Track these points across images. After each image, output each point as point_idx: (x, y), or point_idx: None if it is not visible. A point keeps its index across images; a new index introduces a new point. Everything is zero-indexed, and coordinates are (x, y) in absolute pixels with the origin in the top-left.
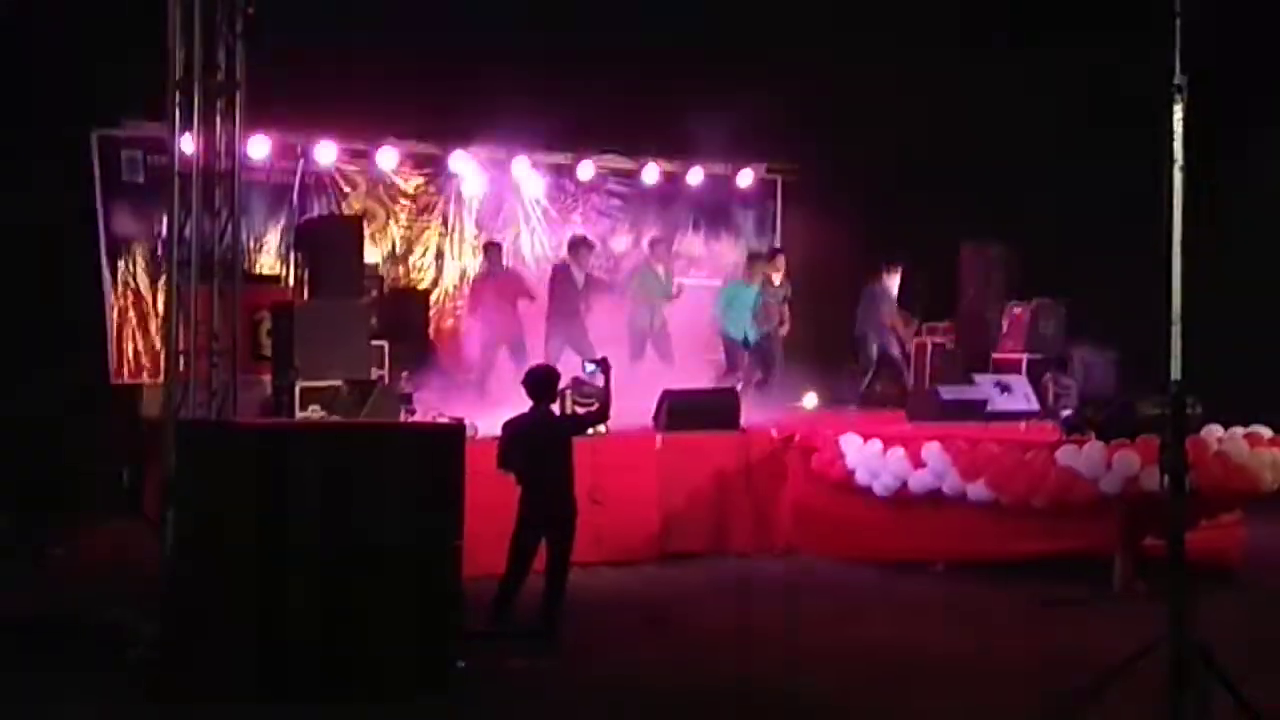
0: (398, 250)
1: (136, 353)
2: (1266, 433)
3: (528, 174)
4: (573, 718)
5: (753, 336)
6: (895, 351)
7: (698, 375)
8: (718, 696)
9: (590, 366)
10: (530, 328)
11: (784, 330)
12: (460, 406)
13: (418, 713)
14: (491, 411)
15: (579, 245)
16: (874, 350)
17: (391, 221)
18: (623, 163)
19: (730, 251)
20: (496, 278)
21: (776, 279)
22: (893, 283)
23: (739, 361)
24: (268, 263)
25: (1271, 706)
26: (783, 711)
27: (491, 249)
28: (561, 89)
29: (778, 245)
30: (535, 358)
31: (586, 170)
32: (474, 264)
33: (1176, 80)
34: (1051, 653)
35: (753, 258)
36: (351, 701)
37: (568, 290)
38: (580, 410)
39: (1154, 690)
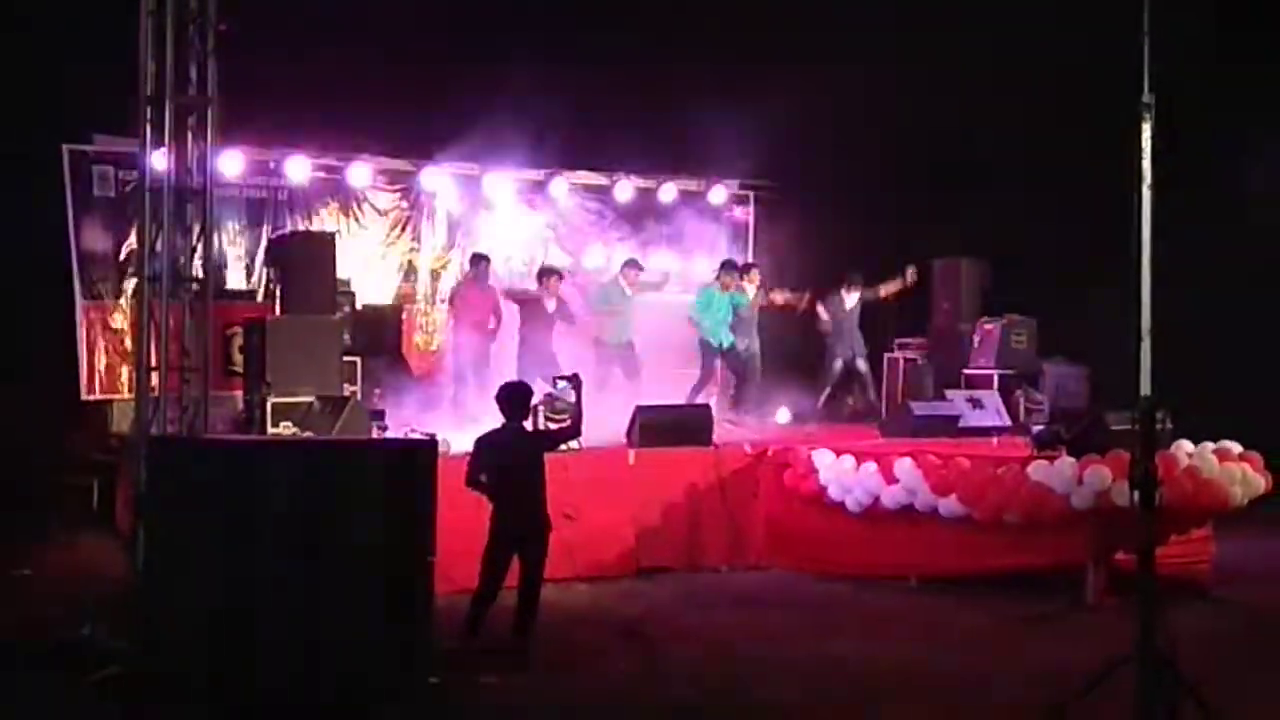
0: (370, 266)
1: (108, 368)
2: (1236, 448)
3: (500, 190)
4: None
5: (727, 344)
6: (862, 366)
7: (669, 390)
8: (691, 711)
9: (561, 383)
10: (498, 348)
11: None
12: (433, 422)
13: None
14: (464, 427)
15: (547, 275)
16: (837, 365)
17: (364, 237)
18: (595, 179)
19: (704, 267)
20: (482, 289)
21: (750, 292)
22: (851, 298)
23: (712, 369)
24: (240, 279)
25: (1238, 717)
26: None
27: (480, 260)
28: (534, 106)
29: (751, 260)
30: (501, 377)
31: (559, 187)
32: (447, 280)
33: (1145, 99)
34: (1024, 666)
35: (724, 265)
36: (323, 717)
37: (538, 320)
38: (553, 426)
39: (1124, 703)
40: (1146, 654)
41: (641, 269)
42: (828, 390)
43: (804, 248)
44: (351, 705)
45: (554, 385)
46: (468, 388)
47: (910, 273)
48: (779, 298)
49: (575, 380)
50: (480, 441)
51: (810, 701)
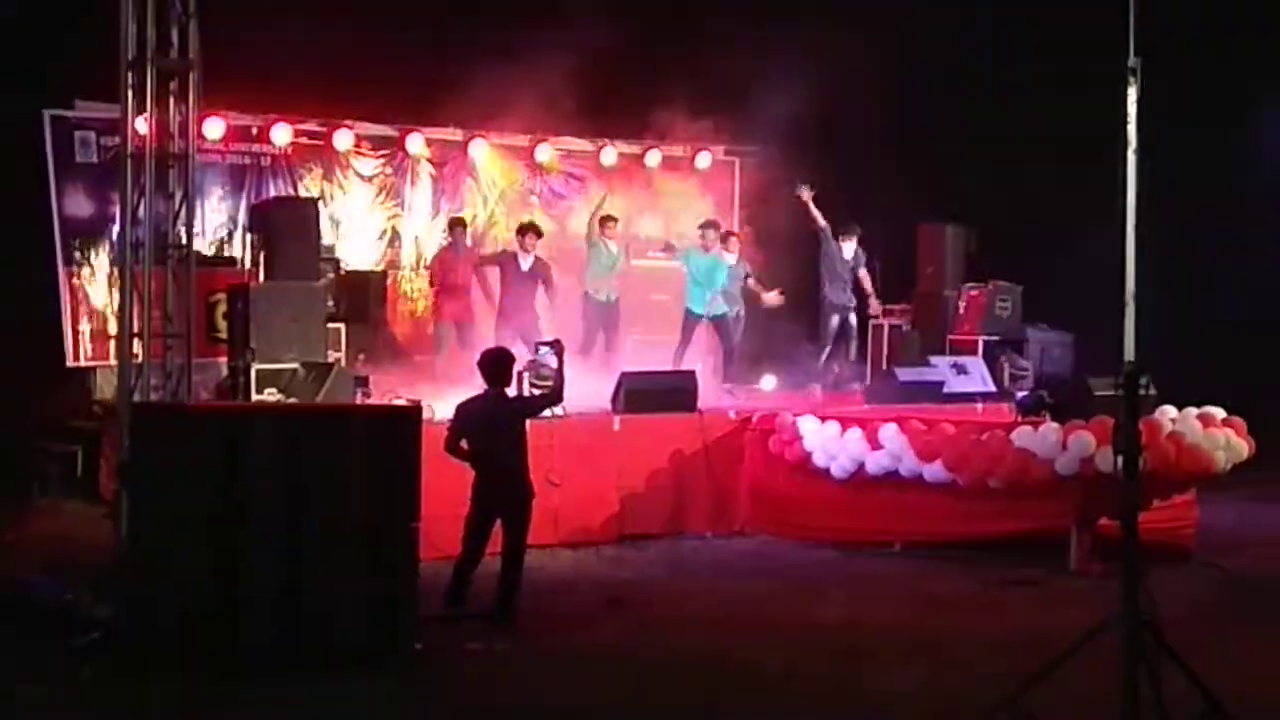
0: (354, 232)
1: (91, 335)
2: (1219, 414)
3: (485, 156)
4: (530, 698)
5: (705, 310)
6: (852, 320)
7: (651, 357)
8: (675, 676)
9: (543, 349)
10: (481, 313)
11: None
12: (417, 389)
13: (374, 693)
14: (448, 394)
15: (524, 231)
16: (834, 322)
17: (348, 203)
18: (581, 145)
19: (688, 233)
20: (459, 254)
21: (731, 260)
22: (848, 247)
23: (689, 336)
24: (224, 244)
25: (1223, 683)
26: (740, 689)
27: (456, 225)
28: (518, 71)
29: (733, 228)
30: (484, 343)
31: (544, 152)
32: (431, 246)
33: (1131, 63)
34: (1008, 631)
35: (705, 225)
36: (307, 682)
37: (515, 278)
38: (537, 393)
39: (1108, 667)
40: (1130, 618)
41: (616, 220)
42: (828, 349)
43: (789, 213)
44: (335, 671)
45: (535, 351)
46: (451, 354)
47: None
48: (764, 295)
49: (558, 346)
50: (461, 408)
51: (795, 666)
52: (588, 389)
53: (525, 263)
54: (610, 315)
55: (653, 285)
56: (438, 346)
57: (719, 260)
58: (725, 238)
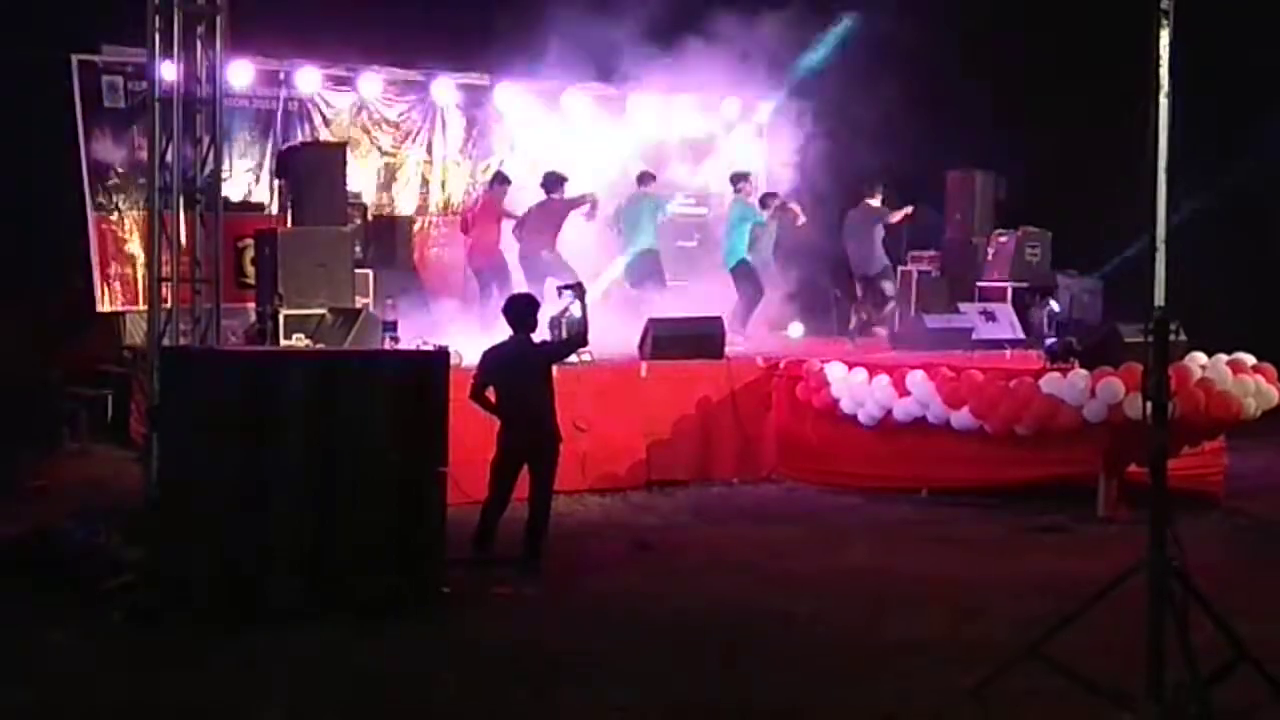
0: (381, 178)
1: (120, 280)
2: (1250, 360)
3: (512, 100)
4: (557, 643)
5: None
6: (888, 288)
7: (678, 303)
8: (703, 621)
9: (566, 292)
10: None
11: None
12: (444, 334)
13: (402, 637)
14: (476, 339)
15: (553, 182)
16: (877, 284)
17: (375, 149)
18: (607, 91)
19: (717, 181)
20: (498, 205)
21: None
22: (876, 202)
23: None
24: (251, 190)
25: (1250, 629)
26: (767, 634)
27: (498, 178)
28: (540, 16)
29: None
30: (521, 288)
31: (571, 98)
32: (458, 192)
33: (1163, 4)
34: (1035, 577)
35: (742, 176)
36: (336, 627)
37: (543, 221)
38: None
39: (1135, 612)
40: (1157, 565)
41: (654, 178)
42: (862, 315)
43: (820, 162)
44: (363, 614)
45: (558, 295)
46: (490, 300)
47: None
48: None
49: (579, 289)
50: (487, 355)
51: (821, 612)
52: (621, 336)
53: (557, 207)
54: (654, 268)
55: (679, 232)
56: (476, 293)
57: (753, 214)
58: (763, 200)
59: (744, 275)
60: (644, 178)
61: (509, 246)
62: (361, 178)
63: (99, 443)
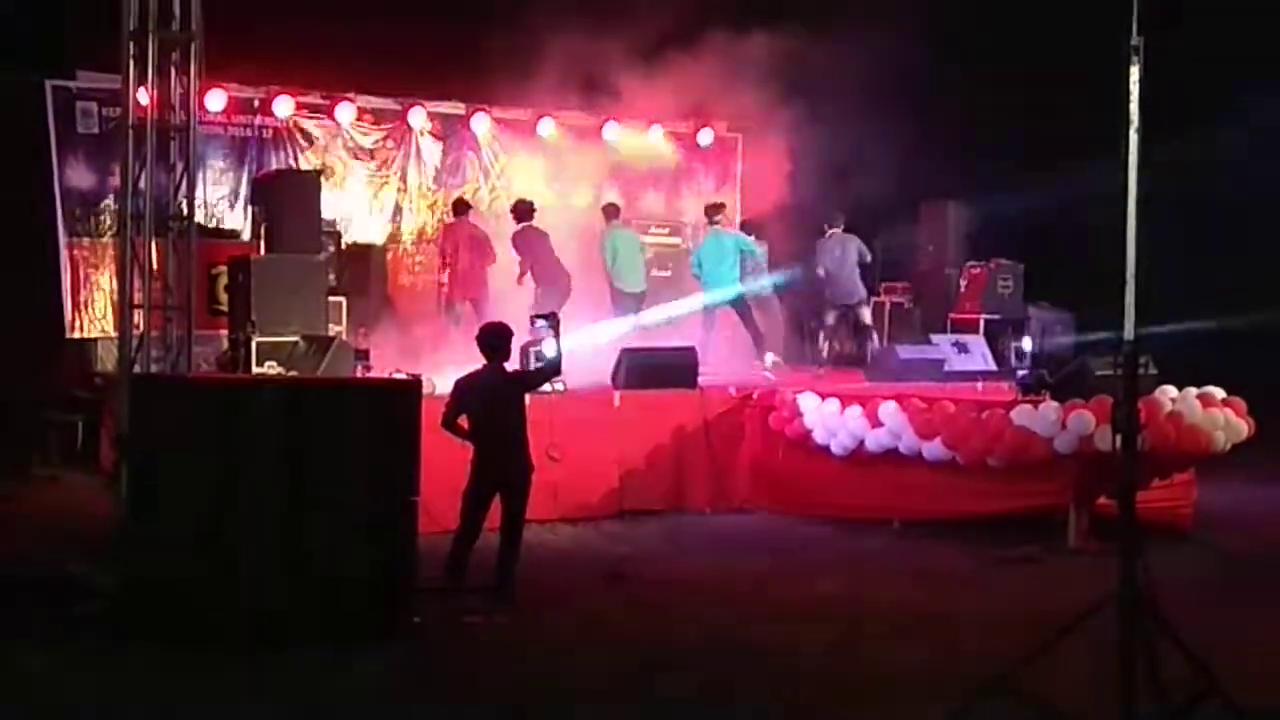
0: (356, 206)
1: (92, 306)
2: (1219, 393)
3: (488, 130)
4: (528, 672)
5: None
6: (865, 316)
7: (655, 333)
8: (675, 651)
9: (540, 321)
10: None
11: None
12: (417, 363)
13: (373, 666)
14: (448, 368)
15: (528, 209)
16: (830, 317)
17: (349, 177)
18: (582, 120)
19: (691, 210)
20: (467, 233)
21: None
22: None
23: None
24: (224, 217)
25: (1220, 661)
26: (738, 663)
27: (460, 205)
28: (517, 46)
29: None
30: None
31: (546, 127)
32: (432, 220)
33: (1133, 41)
34: (1006, 608)
35: (711, 208)
36: (306, 655)
37: (536, 249)
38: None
39: (1106, 644)
40: (1127, 596)
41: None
42: (827, 339)
43: (791, 190)
44: (333, 643)
45: (532, 325)
46: (462, 327)
47: None
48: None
49: (554, 319)
50: (460, 383)
51: (793, 642)
52: (594, 365)
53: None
54: (640, 306)
55: (655, 263)
56: (446, 319)
57: (743, 242)
58: (743, 226)
59: (744, 308)
60: (613, 210)
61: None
62: (336, 206)
63: (69, 468)
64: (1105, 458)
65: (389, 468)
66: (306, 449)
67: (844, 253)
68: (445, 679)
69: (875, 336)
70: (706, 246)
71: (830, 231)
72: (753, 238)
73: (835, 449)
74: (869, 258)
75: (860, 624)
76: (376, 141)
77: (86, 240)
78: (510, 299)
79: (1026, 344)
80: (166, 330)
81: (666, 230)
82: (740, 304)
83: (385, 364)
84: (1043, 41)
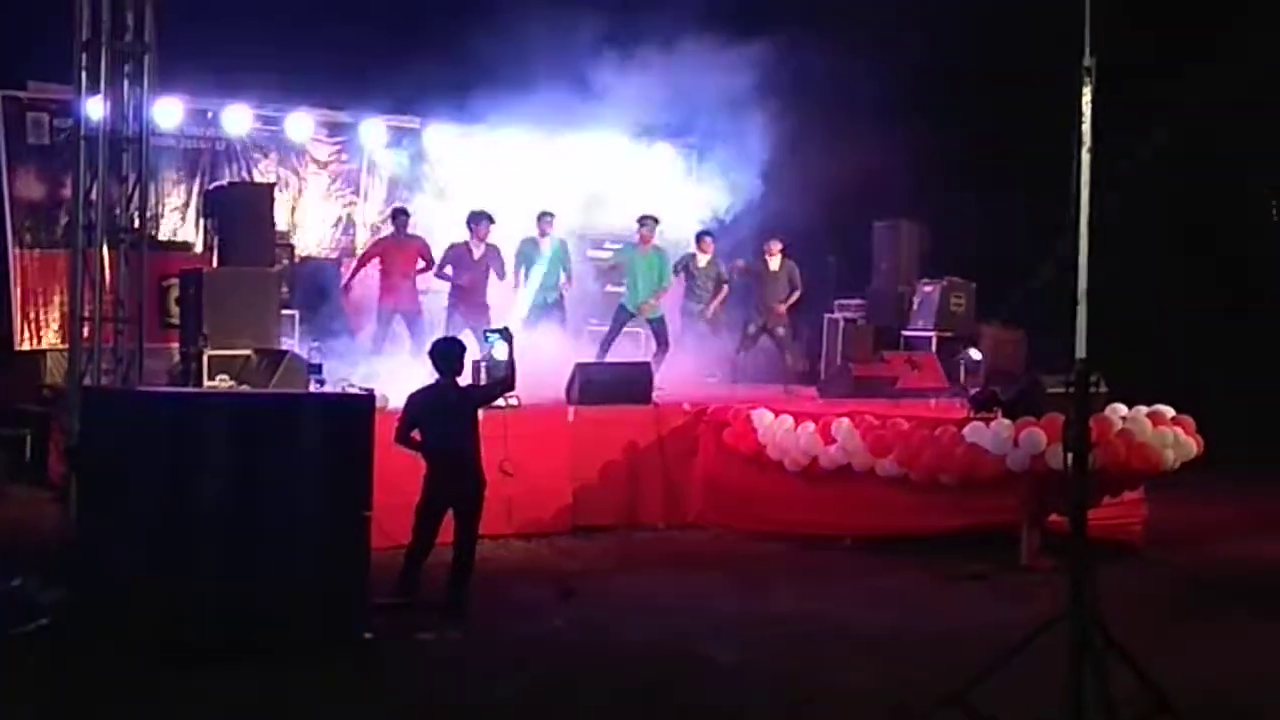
0: (309, 218)
1: (41, 318)
2: (1169, 412)
3: (438, 143)
4: (480, 688)
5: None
6: (781, 332)
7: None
8: (627, 667)
9: (492, 335)
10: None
11: (709, 310)
12: (370, 377)
13: (324, 682)
14: (401, 383)
15: (477, 220)
16: (751, 329)
17: (303, 189)
18: (534, 135)
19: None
20: (401, 245)
21: (703, 261)
22: (773, 263)
23: (613, 336)
24: (177, 229)
25: (1169, 678)
26: (691, 681)
27: (399, 215)
28: (468, 61)
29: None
30: (434, 331)
31: (500, 139)
32: (386, 231)
33: (1085, 63)
34: (958, 625)
35: (641, 220)
36: (257, 671)
37: (465, 266)
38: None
39: (1056, 662)
40: (1077, 614)
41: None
42: (741, 355)
43: (742, 208)
44: (284, 659)
45: (484, 339)
46: (398, 342)
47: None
48: (777, 306)
49: (506, 334)
50: (412, 398)
51: (746, 658)
52: (548, 380)
53: (477, 251)
54: (658, 330)
55: (608, 275)
56: (382, 336)
57: (637, 252)
58: (698, 240)
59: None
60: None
61: (425, 287)
62: (289, 218)
63: (16, 482)
64: (1057, 475)
65: (341, 483)
66: (258, 463)
67: (772, 267)
68: (397, 695)
69: (789, 350)
70: (635, 261)
71: (768, 253)
72: (705, 252)
73: (788, 465)
74: (799, 290)
75: (812, 640)
76: (330, 154)
77: (36, 252)
78: (441, 312)
79: (975, 354)
80: (117, 343)
81: (621, 245)
82: (658, 322)
83: (338, 378)
84: (997, 61)
